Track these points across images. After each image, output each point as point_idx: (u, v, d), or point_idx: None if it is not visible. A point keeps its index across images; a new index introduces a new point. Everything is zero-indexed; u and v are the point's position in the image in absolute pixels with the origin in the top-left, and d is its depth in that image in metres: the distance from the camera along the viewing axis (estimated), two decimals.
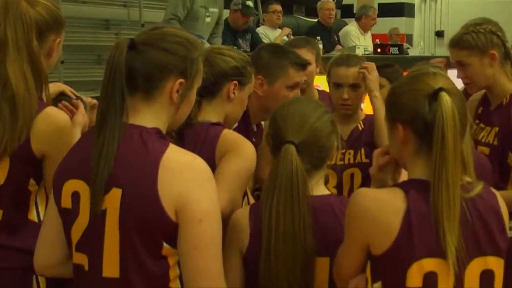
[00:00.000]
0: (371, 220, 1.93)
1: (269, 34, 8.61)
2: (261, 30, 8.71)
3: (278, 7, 8.85)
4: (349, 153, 3.32)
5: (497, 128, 3.17)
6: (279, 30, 8.67)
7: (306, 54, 3.77)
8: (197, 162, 1.98)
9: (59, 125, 2.39)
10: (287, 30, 8.51)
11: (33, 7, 2.44)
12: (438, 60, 4.72)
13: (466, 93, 3.58)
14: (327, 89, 4.07)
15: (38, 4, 2.47)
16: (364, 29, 9.73)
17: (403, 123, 2.00)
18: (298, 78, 3.14)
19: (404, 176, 2.14)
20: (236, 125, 2.90)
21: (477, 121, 3.30)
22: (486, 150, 3.14)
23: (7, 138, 2.30)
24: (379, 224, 1.92)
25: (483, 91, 3.33)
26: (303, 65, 3.18)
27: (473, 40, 3.16)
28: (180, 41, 2.05)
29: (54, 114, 2.40)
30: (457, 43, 3.23)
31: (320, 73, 4.08)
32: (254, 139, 2.80)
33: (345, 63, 3.41)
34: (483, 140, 3.20)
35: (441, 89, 1.95)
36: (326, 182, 3.17)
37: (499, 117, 3.18)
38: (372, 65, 3.41)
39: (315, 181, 2.22)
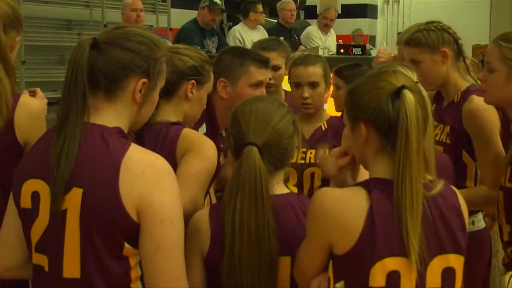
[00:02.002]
0: (333, 220, 1.92)
1: (247, 35, 8.52)
2: (240, 30, 8.61)
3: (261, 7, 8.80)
4: (311, 153, 3.33)
5: (449, 127, 3.21)
6: (257, 30, 8.65)
7: (277, 58, 3.81)
8: (159, 162, 1.97)
9: (37, 111, 2.51)
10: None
11: None
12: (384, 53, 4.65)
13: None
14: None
15: (1, 0, 2.51)
16: (322, 29, 9.70)
17: (366, 122, 2.00)
18: (260, 76, 3.13)
19: (362, 174, 2.15)
20: (204, 131, 2.89)
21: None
22: (440, 148, 3.16)
23: None
24: (341, 224, 1.91)
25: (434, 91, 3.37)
26: (264, 62, 3.18)
27: (424, 38, 3.20)
28: (143, 40, 2.04)
29: (30, 102, 2.52)
30: (409, 42, 3.27)
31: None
32: (222, 145, 2.79)
33: (303, 62, 3.45)
34: (436, 138, 3.20)
35: (403, 86, 1.95)
36: (286, 181, 3.19)
37: (451, 115, 3.22)
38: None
39: (276, 181, 2.20)
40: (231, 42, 8.46)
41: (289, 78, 3.54)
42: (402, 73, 2.11)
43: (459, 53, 3.24)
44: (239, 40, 8.42)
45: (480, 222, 3.28)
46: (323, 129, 3.43)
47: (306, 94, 3.39)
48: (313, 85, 3.40)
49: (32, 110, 2.49)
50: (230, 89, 3.08)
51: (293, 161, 3.28)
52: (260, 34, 8.49)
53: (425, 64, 3.21)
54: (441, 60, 3.20)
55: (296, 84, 3.45)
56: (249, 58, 3.13)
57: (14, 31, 2.55)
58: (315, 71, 3.42)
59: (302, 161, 3.33)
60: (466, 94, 3.18)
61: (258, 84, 3.11)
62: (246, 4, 8.94)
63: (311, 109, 3.42)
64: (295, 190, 3.11)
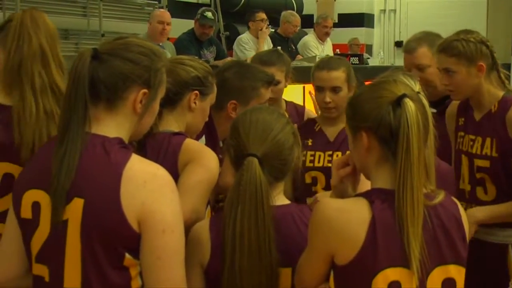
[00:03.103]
0: (335, 230, 1.92)
1: (252, 42, 8.50)
2: (245, 38, 8.58)
3: (264, 15, 8.70)
4: (337, 155, 3.32)
5: (490, 139, 3.13)
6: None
7: (276, 73, 3.75)
8: (160, 173, 1.97)
9: None
10: (265, 33, 8.50)
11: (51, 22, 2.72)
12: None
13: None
14: (295, 100, 4.10)
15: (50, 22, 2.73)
16: (321, 37, 9.70)
17: (367, 131, 2.00)
18: (268, 95, 3.19)
19: (363, 183, 2.15)
20: (204, 142, 2.89)
21: (461, 133, 3.27)
22: (487, 163, 3.12)
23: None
24: (344, 234, 1.91)
25: (457, 102, 3.33)
26: (270, 83, 3.21)
27: (463, 48, 3.12)
28: (144, 51, 2.04)
29: None
30: (445, 50, 3.17)
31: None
32: (221, 155, 2.79)
33: (326, 66, 3.42)
34: (478, 153, 3.16)
35: (404, 95, 1.96)
36: (314, 184, 3.19)
37: (492, 126, 3.15)
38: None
39: (276, 192, 2.20)
40: (237, 50, 8.48)
41: (312, 81, 3.51)
42: (403, 82, 2.12)
43: (493, 66, 3.17)
44: (244, 48, 8.42)
45: None
46: None
47: (328, 99, 3.37)
48: (335, 89, 3.37)
49: None
50: (240, 109, 3.07)
51: (320, 165, 3.32)
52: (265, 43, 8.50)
53: (459, 75, 3.14)
54: (476, 73, 3.12)
55: (318, 88, 3.43)
56: (259, 81, 3.14)
57: None
58: (337, 75, 3.38)
59: (330, 164, 3.33)
60: (505, 103, 3.13)
61: (265, 103, 3.13)
62: (247, 14, 8.95)
63: (334, 113, 3.41)
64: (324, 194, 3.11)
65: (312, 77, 3.49)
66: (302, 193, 3.27)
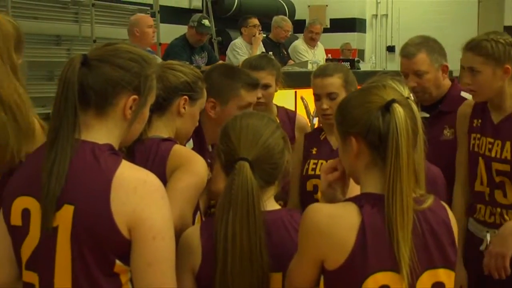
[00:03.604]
0: (325, 235, 1.92)
1: (245, 48, 8.52)
2: (238, 43, 8.60)
3: (257, 21, 8.71)
4: None
5: (510, 142, 3.09)
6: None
7: (266, 77, 3.76)
8: (150, 179, 1.97)
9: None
10: (259, 38, 8.51)
11: (7, 23, 2.52)
12: None
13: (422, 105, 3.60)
14: (287, 105, 4.08)
15: (9, 22, 2.56)
16: (308, 42, 9.69)
17: (356, 136, 2.00)
18: (250, 98, 3.12)
19: (352, 188, 2.15)
20: (192, 146, 2.88)
21: (477, 135, 3.23)
22: (507, 167, 3.08)
23: (12, 147, 2.33)
24: (333, 239, 1.91)
25: (472, 103, 3.29)
26: (253, 85, 3.16)
27: (492, 49, 3.05)
28: (134, 57, 2.04)
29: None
30: (473, 48, 3.10)
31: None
32: (209, 160, 2.79)
33: (321, 74, 3.39)
34: (498, 157, 3.12)
35: (393, 100, 1.97)
36: (315, 192, 3.18)
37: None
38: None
39: (267, 197, 2.20)
40: (230, 55, 8.48)
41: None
42: (392, 88, 2.12)
43: None
44: (237, 53, 8.43)
45: None
46: None
47: (324, 106, 3.34)
48: (332, 96, 3.34)
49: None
50: (219, 109, 3.06)
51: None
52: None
53: (484, 76, 3.08)
54: (501, 75, 3.07)
55: (316, 96, 3.41)
56: (240, 81, 3.11)
57: (18, 52, 2.58)
58: (332, 81, 3.35)
59: None
60: None
61: (246, 106, 3.09)
62: (239, 20, 8.95)
63: (332, 119, 3.40)
64: None
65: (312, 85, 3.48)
66: (303, 201, 3.28)
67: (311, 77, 3.48)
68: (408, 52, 3.56)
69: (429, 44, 3.56)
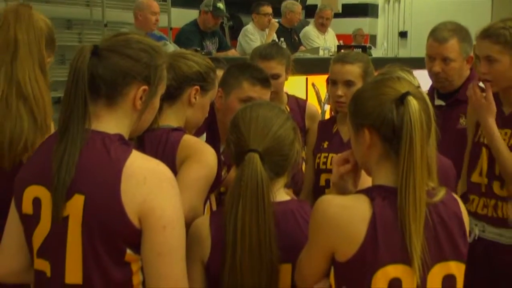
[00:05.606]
0: (336, 227, 1.92)
1: (257, 34, 8.48)
2: (250, 29, 8.55)
3: (269, 9, 8.62)
4: None
5: None
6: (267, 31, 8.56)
7: (276, 67, 3.74)
8: (160, 169, 1.97)
9: None
10: (275, 26, 8.45)
11: (40, 20, 2.65)
12: None
13: (432, 96, 3.59)
14: (298, 91, 4.05)
15: (42, 19, 2.69)
16: (318, 28, 9.60)
17: (370, 128, 1.99)
18: (252, 93, 3.06)
19: (364, 180, 2.15)
20: (204, 140, 2.88)
21: None
22: None
23: (27, 138, 2.33)
24: (344, 231, 1.91)
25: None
26: (259, 80, 3.10)
27: (510, 37, 2.97)
28: (144, 47, 2.04)
29: None
30: (490, 36, 3.02)
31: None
32: (223, 158, 2.78)
33: (341, 60, 3.37)
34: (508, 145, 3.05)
35: (407, 93, 1.95)
36: (328, 187, 3.17)
37: None
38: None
39: (276, 188, 2.20)
40: (242, 41, 8.46)
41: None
42: (406, 80, 2.11)
43: None
44: (249, 39, 8.39)
45: None
46: None
47: (339, 92, 3.32)
48: (348, 83, 3.31)
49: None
50: (223, 100, 3.07)
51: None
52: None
53: (501, 65, 3.01)
54: None
55: (332, 81, 3.39)
56: (245, 74, 3.08)
57: (49, 50, 2.69)
58: (352, 69, 3.32)
59: None
60: None
61: (247, 100, 2.98)
62: (253, 4, 8.89)
63: (345, 107, 3.38)
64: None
65: (329, 70, 3.45)
66: (316, 195, 3.26)
67: (330, 62, 3.45)
68: (440, 36, 3.51)
69: (462, 33, 3.52)
